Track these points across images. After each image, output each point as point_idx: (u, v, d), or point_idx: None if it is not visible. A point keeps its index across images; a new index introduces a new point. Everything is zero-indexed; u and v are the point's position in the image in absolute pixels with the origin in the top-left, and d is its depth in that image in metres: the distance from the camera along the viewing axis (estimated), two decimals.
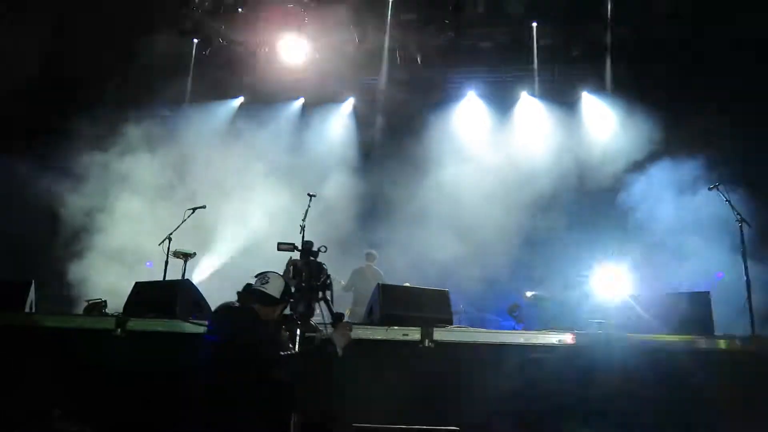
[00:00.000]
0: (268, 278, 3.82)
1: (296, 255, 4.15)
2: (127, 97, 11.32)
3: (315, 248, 4.14)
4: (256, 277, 3.87)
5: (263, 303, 3.74)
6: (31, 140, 10.67)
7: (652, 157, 10.84)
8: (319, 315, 4.07)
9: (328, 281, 4.07)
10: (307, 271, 4.01)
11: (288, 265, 4.12)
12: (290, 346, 3.81)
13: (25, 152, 10.44)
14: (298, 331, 3.94)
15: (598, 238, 11.34)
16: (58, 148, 10.68)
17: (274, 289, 3.78)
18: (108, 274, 9.77)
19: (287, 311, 3.96)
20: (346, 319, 4.11)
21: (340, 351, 3.69)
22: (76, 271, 9.99)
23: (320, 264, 4.10)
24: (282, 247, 4.20)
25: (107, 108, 11.07)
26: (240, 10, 11.99)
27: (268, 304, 3.76)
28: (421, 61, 12.74)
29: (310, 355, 3.76)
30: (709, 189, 7.04)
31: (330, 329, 3.88)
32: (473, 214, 11.31)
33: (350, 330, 3.89)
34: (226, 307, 3.88)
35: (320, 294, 4.03)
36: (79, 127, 10.61)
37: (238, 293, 3.83)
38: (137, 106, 11.46)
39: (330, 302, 4.05)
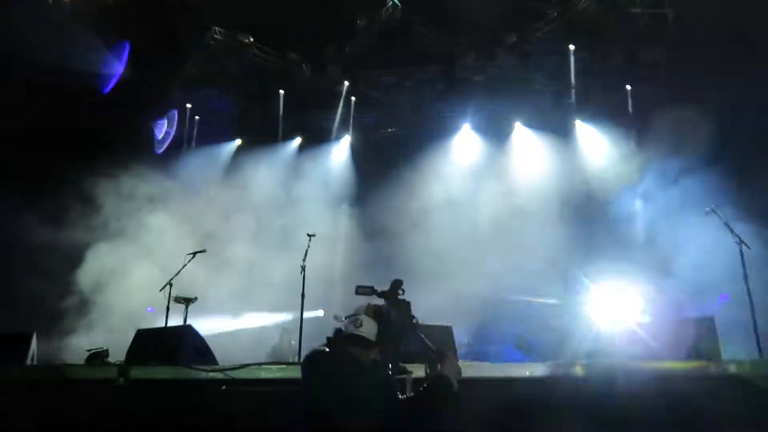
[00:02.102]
0: (361, 321, 3.62)
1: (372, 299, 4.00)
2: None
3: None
4: (345, 319, 3.71)
5: (362, 347, 3.55)
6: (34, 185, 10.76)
7: (651, 176, 10.94)
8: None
9: (415, 319, 3.97)
10: (395, 311, 3.93)
11: (370, 310, 3.99)
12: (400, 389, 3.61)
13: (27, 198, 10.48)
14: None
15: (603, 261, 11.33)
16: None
17: (369, 332, 3.59)
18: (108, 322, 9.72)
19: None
20: None
21: (456, 385, 3.53)
22: (76, 320, 9.95)
23: (408, 303, 3.96)
24: (361, 290, 4.07)
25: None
26: None
27: (366, 347, 3.56)
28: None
29: (432, 395, 3.52)
30: (706, 213, 6.98)
31: (429, 368, 3.69)
32: (477, 245, 11.32)
33: (458, 361, 3.73)
34: (327, 354, 3.61)
35: (414, 333, 3.90)
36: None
37: (330, 339, 3.67)
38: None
39: (425, 339, 3.92)
